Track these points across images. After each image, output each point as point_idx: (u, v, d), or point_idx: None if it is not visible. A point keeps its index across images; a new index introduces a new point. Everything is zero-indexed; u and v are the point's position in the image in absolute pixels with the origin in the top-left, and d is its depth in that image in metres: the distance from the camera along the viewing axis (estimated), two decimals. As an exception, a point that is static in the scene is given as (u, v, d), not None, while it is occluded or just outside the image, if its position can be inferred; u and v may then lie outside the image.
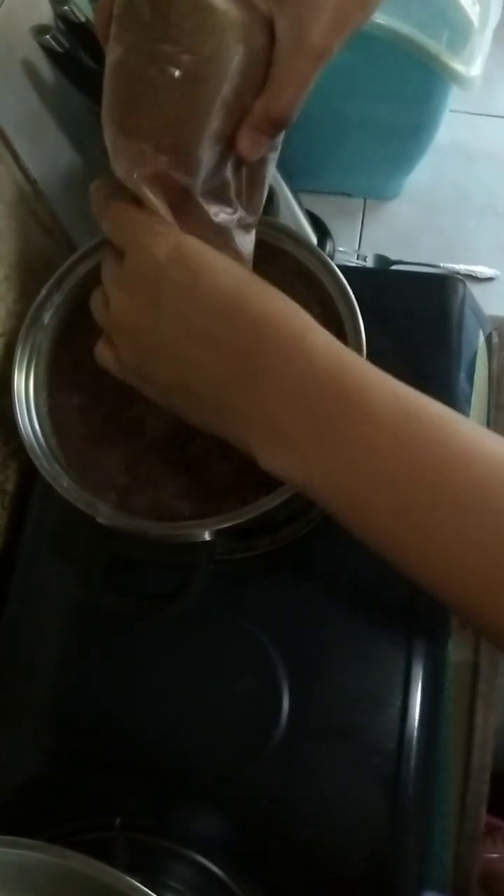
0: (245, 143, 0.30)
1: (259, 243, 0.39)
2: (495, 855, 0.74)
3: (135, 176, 0.30)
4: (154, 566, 0.35)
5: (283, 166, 0.54)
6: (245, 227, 0.33)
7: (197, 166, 0.30)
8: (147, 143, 0.29)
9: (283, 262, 0.39)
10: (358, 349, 0.37)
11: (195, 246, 0.30)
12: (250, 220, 0.33)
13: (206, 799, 0.41)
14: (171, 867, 0.39)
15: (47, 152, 0.53)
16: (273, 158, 0.33)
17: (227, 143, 0.30)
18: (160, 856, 0.40)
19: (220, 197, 0.32)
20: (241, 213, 0.33)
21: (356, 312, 0.37)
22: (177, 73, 0.28)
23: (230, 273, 0.30)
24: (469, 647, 0.51)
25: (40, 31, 0.45)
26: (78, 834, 0.40)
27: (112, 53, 0.28)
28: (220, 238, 0.32)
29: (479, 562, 0.25)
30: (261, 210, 0.34)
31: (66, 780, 0.42)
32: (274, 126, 0.30)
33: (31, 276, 0.51)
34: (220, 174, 0.31)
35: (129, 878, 0.29)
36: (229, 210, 0.32)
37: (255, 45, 0.28)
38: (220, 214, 0.32)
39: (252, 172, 0.32)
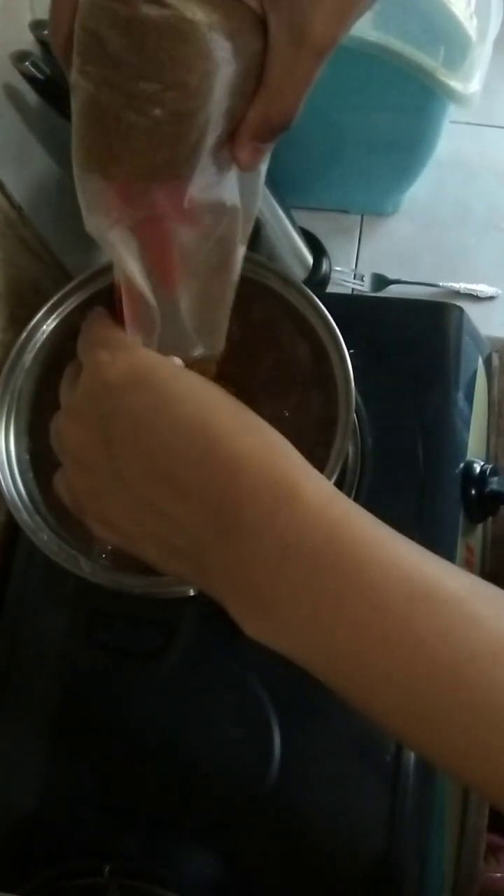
0: (244, 155, 0.26)
1: (246, 281, 0.38)
2: (498, 874, 0.73)
3: (109, 236, 0.26)
4: (139, 621, 0.34)
5: (275, 182, 0.53)
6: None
7: (184, 198, 0.26)
8: (126, 191, 0.25)
9: (271, 300, 0.38)
10: (346, 388, 0.36)
11: (153, 365, 0.26)
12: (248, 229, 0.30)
13: (198, 843, 0.40)
14: (162, 916, 0.38)
15: (34, 178, 0.52)
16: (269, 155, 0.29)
17: (219, 155, 0.26)
18: (151, 902, 0.39)
19: (213, 213, 0.28)
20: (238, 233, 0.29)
21: (344, 353, 0.37)
22: (160, 113, 0.23)
23: (195, 398, 0.25)
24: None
25: (20, 57, 0.43)
26: (68, 878, 0.40)
27: (78, 90, 0.23)
28: (218, 263, 0.29)
29: (496, 762, 0.22)
30: (254, 215, 0.30)
31: (57, 823, 0.42)
32: (274, 132, 0.26)
33: (20, 303, 0.51)
34: (210, 188, 0.27)
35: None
36: (221, 231, 0.29)
37: (246, 54, 0.23)
38: (217, 231, 0.28)
39: (246, 177, 0.28)
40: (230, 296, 0.31)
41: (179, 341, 0.30)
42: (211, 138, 0.25)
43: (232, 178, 0.28)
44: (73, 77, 0.23)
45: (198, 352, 0.31)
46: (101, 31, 0.22)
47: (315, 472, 0.25)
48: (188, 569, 0.26)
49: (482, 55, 0.51)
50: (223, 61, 0.23)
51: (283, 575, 0.23)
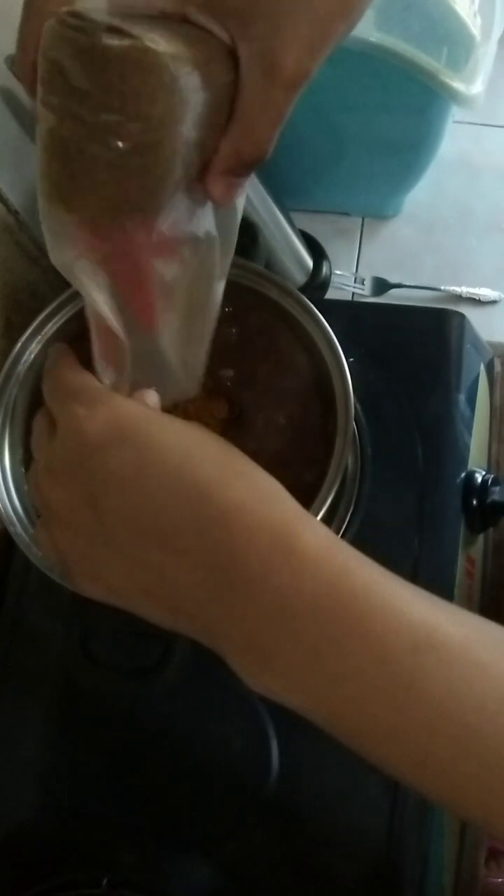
0: (218, 190, 0.26)
1: (243, 289, 0.38)
2: (499, 880, 0.73)
3: (75, 270, 0.26)
4: (135, 635, 0.34)
5: (274, 185, 0.52)
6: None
7: (152, 232, 0.26)
8: (92, 224, 0.25)
9: (268, 308, 0.38)
10: (345, 398, 0.35)
11: (134, 418, 0.25)
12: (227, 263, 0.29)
13: (196, 854, 0.40)
14: (159, 929, 0.38)
15: (31, 182, 0.51)
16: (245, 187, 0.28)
17: (192, 189, 0.26)
18: (148, 915, 0.39)
19: (188, 247, 0.28)
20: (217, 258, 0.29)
21: (342, 363, 0.36)
22: (123, 145, 0.23)
23: (180, 449, 0.24)
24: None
25: (14, 60, 0.42)
26: (66, 889, 0.40)
27: (41, 119, 0.23)
28: (197, 298, 0.30)
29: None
30: (233, 249, 0.30)
31: (55, 834, 0.42)
32: (247, 167, 0.25)
33: (16, 309, 0.50)
34: (182, 223, 0.27)
35: None
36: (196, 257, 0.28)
37: (216, 86, 0.23)
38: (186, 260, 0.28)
39: (223, 210, 0.28)
40: (210, 332, 0.31)
41: (160, 379, 0.29)
42: (180, 171, 0.24)
43: (208, 212, 0.27)
44: (37, 108, 0.23)
45: (177, 390, 0.31)
46: (63, 62, 0.21)
47: (311, 520, 0.25)
48: (184, 622, 0.25)
49: (486, 55, 0.50)
50: (190, 93, 0.22)
51: (283, 628, 0.23)
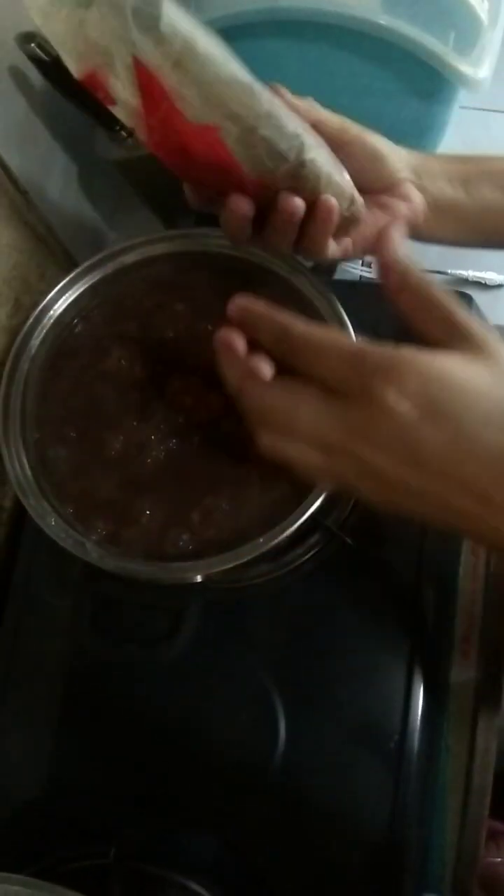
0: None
1: (254, 267, 0.38)
2: (498, 860, 0.74)
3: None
4: (145, 607, 0.34)
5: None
6: None
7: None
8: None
9: (279, 286, 0.38)
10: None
11: (443, 386, 0.26)
12: None
13: (202, 827, 0.41)
14: (167, 897, 0.39)
15: (39, 161, 0.51)
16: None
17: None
18: (156, 885, 0.40)
19: None
20: None
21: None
22: None
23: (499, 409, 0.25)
24: (471, 666, 0.50)
25: (25, 39, 0.43)
26: (73, 861, 0.40)
27: None
28: None
29: None
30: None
31: (64, 806, 0.42)
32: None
33: (25, 289, 0.50)
34: None
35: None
36: None
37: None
38: None
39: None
40: None
41: None
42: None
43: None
44: None
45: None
46: None
47: None
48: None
49: (493, 39, 0.50)
50: None
51: None
